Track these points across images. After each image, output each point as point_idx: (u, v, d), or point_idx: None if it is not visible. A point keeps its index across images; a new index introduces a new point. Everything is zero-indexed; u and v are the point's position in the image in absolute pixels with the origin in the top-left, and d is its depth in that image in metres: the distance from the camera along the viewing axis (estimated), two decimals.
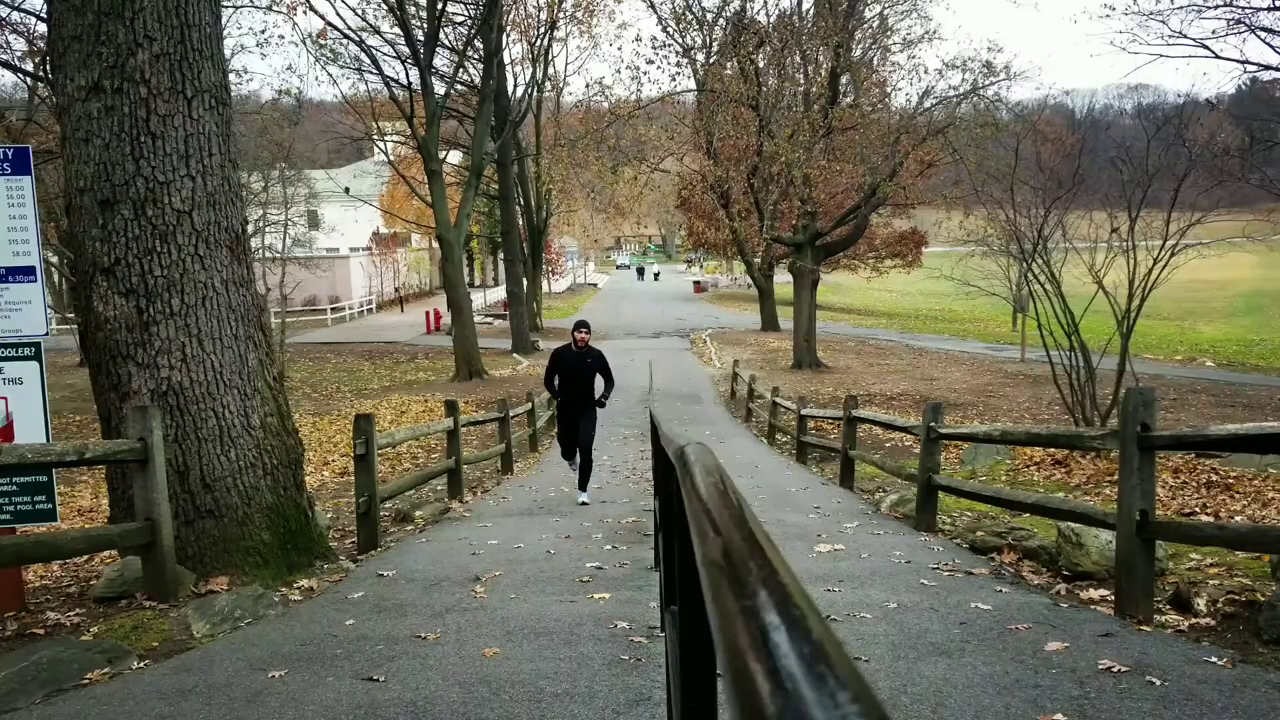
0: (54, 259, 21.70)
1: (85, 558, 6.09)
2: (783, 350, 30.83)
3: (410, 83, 23.33)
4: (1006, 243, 14.75)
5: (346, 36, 23.36)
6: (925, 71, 60.02)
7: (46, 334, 5.12)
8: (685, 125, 31.01)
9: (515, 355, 31.43)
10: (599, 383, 9.12)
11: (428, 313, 40.77)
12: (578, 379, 8.84)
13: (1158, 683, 3.07)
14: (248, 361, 5.32)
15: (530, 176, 30.86)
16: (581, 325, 8.92)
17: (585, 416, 8.94)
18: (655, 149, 29.22)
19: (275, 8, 20.35)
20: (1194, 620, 4.10)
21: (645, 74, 46.14)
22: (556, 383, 9.00)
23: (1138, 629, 3.83)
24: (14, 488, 4.90)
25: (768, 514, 7.49)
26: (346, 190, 43.39)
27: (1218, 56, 15.86)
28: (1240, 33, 15.65)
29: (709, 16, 29.77)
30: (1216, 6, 15.05)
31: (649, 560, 5.59)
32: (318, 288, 42.18)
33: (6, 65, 16.16)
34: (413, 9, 23.78)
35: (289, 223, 30.34)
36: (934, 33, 41.20)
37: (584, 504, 8.67)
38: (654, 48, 28.74)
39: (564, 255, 72.14)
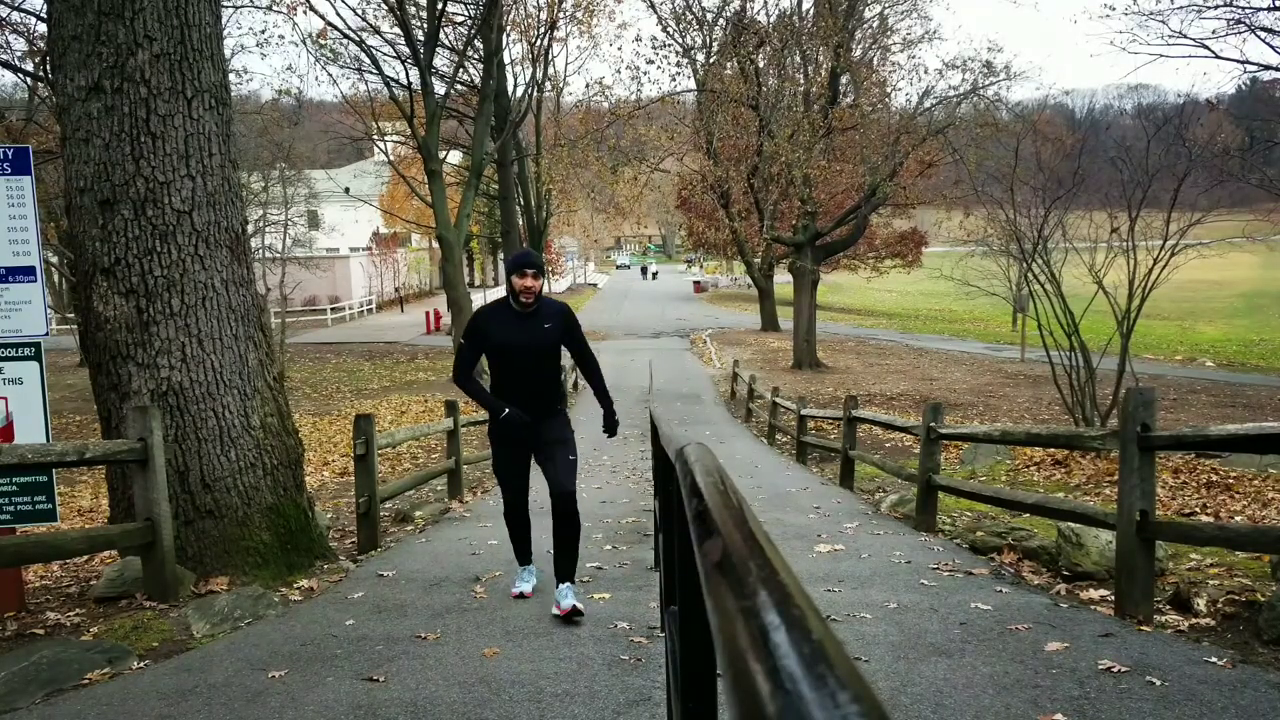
0: (54, 259, 21.69)
1: (85, 558, 6.09)
2: (783, 350, 30.82)
3: (410, 83, 23.32)
4: (1006, 243, 14.76)
5: (346, 36, 23.34)
6: (925, 71, 60.09)
7: (46, 334, 5.12)
8: (685, 125, 31.00)
9: None
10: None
11: (428, 313, 40.76)
12: (525, 361, 4.61)
13: (1158, 683, 3.07)
14: (248, 362, 5.32)
15: (530, 176, 30.83)
16: (524, 262, 4.58)
17: (547, 431, 4.75)
18: (655, 149, 29.19)
19: (275, 8, 20.35)
20: (1194, 620, 4.10)
21: (645, 74, 46.18)
22: (488, 371, 4.76)
23: (1138, 629, 3.83)
24: (14, 488, 4.90)
25: (768, 514, 7.48)
26: (346, 190, 43.39)
27: (1218, 56, 15.85)
28: (1240, 33, 15.64)
29: (709, 16, 29.78)
30: (1216, 6, 15.04)
31: (649, 560, 5.59)
32: (318, 288, 42.19)
33: (6, 65, 16.15)
34: (413, 9, 23.76)
35: (289, 223, 30.35)
36: (934, 33, 41.36)
37: (575, 618, 4.24)
38: (654, 48, 28.76)
39: (564, 255, 72.13)
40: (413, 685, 3.38)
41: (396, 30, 23.52)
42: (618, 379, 25.92)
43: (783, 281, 38.60)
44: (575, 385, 23.33)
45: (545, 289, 5.03)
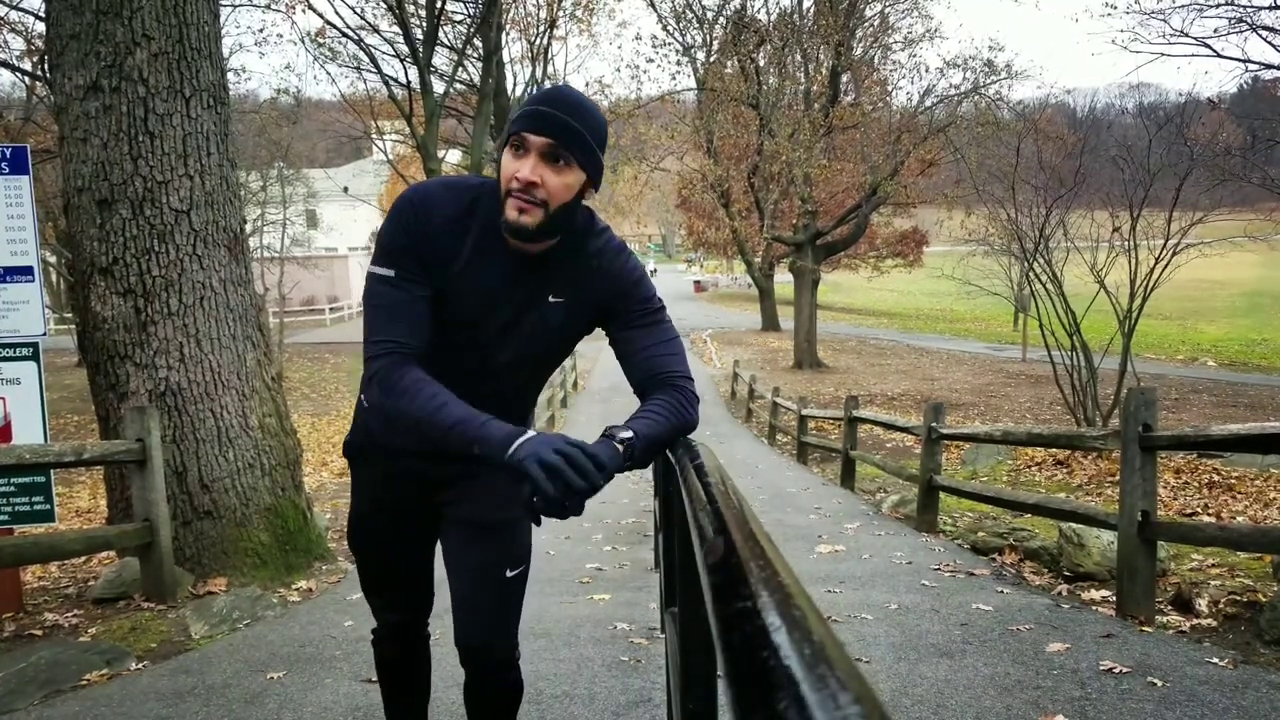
0: (52, 259, 21.68)
1: (83, 559, 6.08)
2: (783, 350, 30.82)
3: (409, 81, 23.32)
4: (1008, 242, 14.75)
5: (345, 35, 23.33)
6: (926, 70, 59.87)
7: (44, 334, 5.11)
8: (685, 124, 31.00)
9: None
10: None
11: None
12: (484, 355, 1.79)
13: (1159, 684, 3.06)
14: (246, 361, 5.31)
15: None
16: (536, 115, 1.60)
17: (465, 502, 1.95)
18: (655, 148, 29.19)
19: (274, 6, 20.37)
20: (1195, 621, 4.09)
21: (645, 73, 46.15)
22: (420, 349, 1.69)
23: (1139, 630, 3.82)
24: (12, 488, 4.89)
25: (768, 514, 7.47)
26: (345, 190, 43.35)
27: (1219, 55, 15.87)
28: (1241, 31, 15.65)
29: (709, 15, 29.77)
30: (1218, 5, 15.05)
31: (649, 561, 5.58)
32: (316, 287, 42.17)
33: (5, 64, 16.15)
34: (412, 8, 23.76)
35: (287, 222, 30.31)
36: (935, 31, 41.34)
37: None
38: (654, 46, 28.78)
39: None
40: None
41: (395, 29, 23.51)
42: (617, 379, 25.92)
43: (783, 281, 38.59)
44: (575, 384, 23.17)
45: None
